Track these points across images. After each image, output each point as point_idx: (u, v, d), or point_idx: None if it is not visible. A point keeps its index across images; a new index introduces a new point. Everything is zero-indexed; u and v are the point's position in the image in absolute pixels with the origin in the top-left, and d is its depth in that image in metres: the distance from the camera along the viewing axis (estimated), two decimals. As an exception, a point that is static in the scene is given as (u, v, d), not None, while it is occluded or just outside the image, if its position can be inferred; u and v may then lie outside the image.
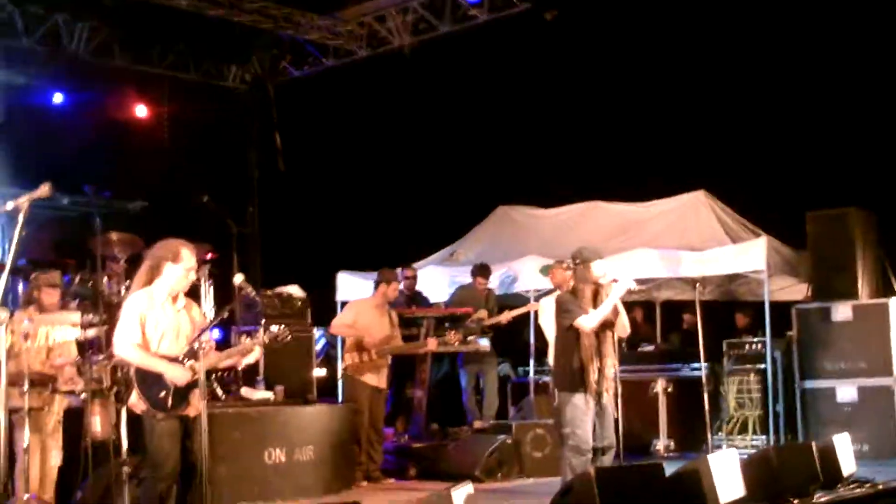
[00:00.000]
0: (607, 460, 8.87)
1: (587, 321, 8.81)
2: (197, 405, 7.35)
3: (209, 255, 11.08)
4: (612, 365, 9.10)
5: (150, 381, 7.28)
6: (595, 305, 8.91)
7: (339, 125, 17.87)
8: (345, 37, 16.97)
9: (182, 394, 7.31)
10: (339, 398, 12.52)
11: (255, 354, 7.73)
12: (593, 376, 8.81)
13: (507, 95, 17.30)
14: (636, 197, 15.13)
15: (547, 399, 12.09)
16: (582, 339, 8.85)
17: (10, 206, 6.66)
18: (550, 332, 10.96)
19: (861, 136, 15.15)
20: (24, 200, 6.77)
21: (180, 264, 7.41)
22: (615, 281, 8.99)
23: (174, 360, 7.32)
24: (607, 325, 8.95)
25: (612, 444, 8.99)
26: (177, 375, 7.27)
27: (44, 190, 6.75)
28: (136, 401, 7.38)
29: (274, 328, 8.02)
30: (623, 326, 9.09)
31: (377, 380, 11.49)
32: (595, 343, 8.90)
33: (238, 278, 8.01)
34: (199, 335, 7.34)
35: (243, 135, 18.29)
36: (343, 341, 12.06)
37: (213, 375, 7.53)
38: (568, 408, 8.85)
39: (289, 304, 11.66)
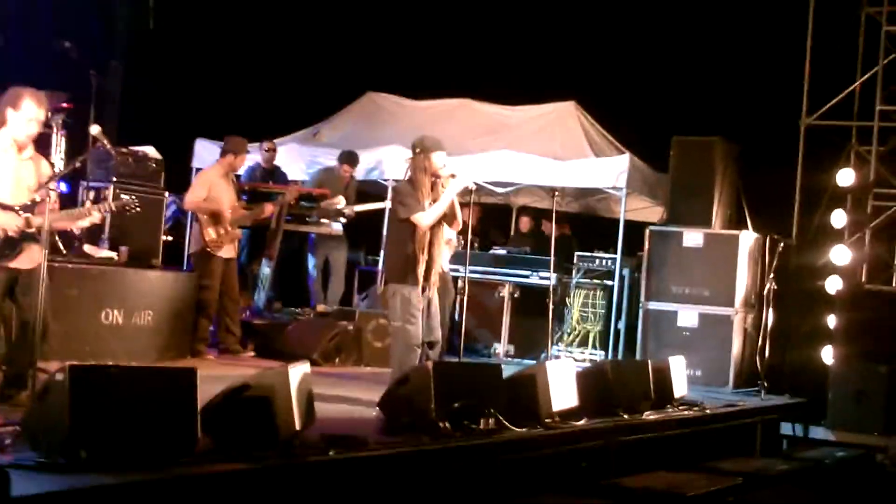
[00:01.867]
0: (434, 355, 8.83)
1: (424, 217, 8.69)
2: (32, 258, 7.17)
3: (65, 105, 10.69)
4: (440, 257, 9.06)
5: None
6: (433, 198, 8.81)
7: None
8: None
9: (12, 244, 7.12)
10: (187, 268, 12.31)
11: (93, 219, 7.50)
12: (421, 268, 8.73)
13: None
14: (508, 100, 15.08)
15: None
16: (416, 232, 8.74)
17: None
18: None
19: (730, 66, 15.29)
20: None
21: (20, 112, 7.17)
22: (453, 176, 8.89)
23: (9, 208, 7.11)
24: (441, 219, 8.87)
25: (439, 338, 8.94)
26: (8, 223, 7.09)
27: None
28: None
29: (124, 197, 7.84)
30: (456, 220, 8.97)
31: (231, 251, 11.31)
32: (430, 237, 8.81)
33: (94, 129, 7.80)
34: (46, 184, 7.12)
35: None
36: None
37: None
38: (398, 300, 8.77)
39: (143, 165, 11.30)
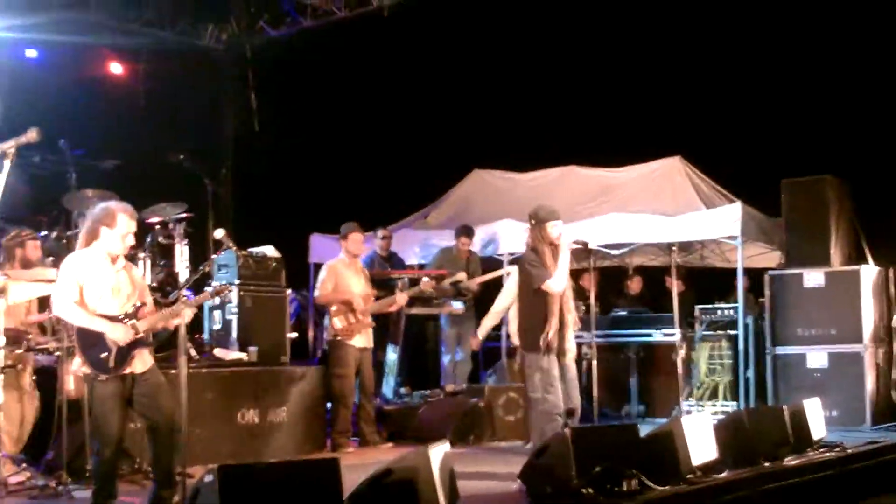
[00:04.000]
0: (573, 423, 8.89)
1: (555, 283, 8.85)
2: (145, 362, 7.42)
3: (184, 214, 11.00)
4: (573, 324, 9.16)
5: (91, 342, 7.29)
6: (555, 265, 8.96)
7: (316, 86, 17.78)
8: (325, -3, 16.88)
9: (124, 353, 7.32)
10: (312, 361, 12.49)
11: (186, 316, 7.66)
12: (556, 336, 8.84)
13: (486, 57, 17.23)
14: (612, 163, 15.15)
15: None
16: (548, 299, 8.88)
17: (-5, 150, 6.50)
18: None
19: (835, 104, 15.18)
20: (10, 145, 6.64)
21: (115, 229, 7.42)
22: (577, 243, 9.10)
23: (115, 319, 7.33)
24: (567, 285, 9.01)
25: (577, 405, 9.02)
26: (118, 334, 7.29)
27: (31, 135, 6.65)
28: (78, 364, 7.40)
29: (215, 283, 8.02)
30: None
31: (366, 340, 11.43)
32: (559, 304, 8.94)
33: (219, 233, 8.02)
34: (183, 288, 7.37)
35: (219, 94, 18.19)
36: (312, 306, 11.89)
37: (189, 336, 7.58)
38: (536, 371, 8.87)
39: (263, 265, 11.56)
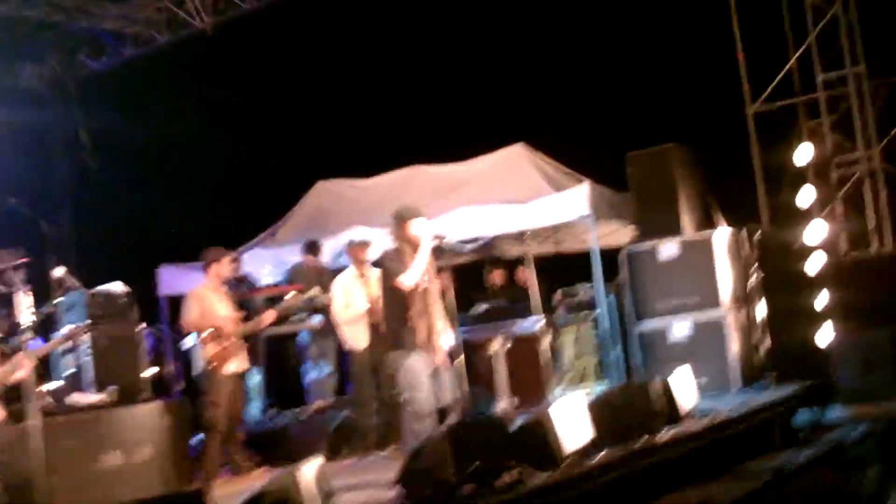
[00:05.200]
0: (447, 421, 8.79)
1: (406, 279, 8.77)
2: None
3: (22, 260, 10.60)
4: (441, 320, 9.10)
5: None
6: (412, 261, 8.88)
7: (148, 114, 17.38)
8: (143, 23, 16.50)
9: None
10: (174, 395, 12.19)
11: (26, 369, 7.35)
12: (421, 333, 8.75)
13: (319, 67, 17.11)
14: (458, 157, 15.08)
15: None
16: (409, 297, 8.79)
17: None
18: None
19: (671, 72, 15.35)
20: None
21: None
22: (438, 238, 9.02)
23: None
24: (431, 279, 8.93)
25: (455, 403, 8.92)
26: None
27: None
28: None
29: (70, 326, 7.77)
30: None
31: (239, 364, 11.10)
32: (424, 300, 8.87)
33: (59, 271, 7.68)
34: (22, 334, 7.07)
35: (48, 135, 17.68)
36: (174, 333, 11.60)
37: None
38: (403, 371, 8.76)
39: (112, 303, 11.22)
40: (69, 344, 10.45)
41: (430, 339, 8.86)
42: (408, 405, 8.77)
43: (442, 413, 8.88)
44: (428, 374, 8.80)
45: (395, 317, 8.97)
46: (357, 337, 11.36)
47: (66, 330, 8.02)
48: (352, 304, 11.31)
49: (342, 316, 11.49)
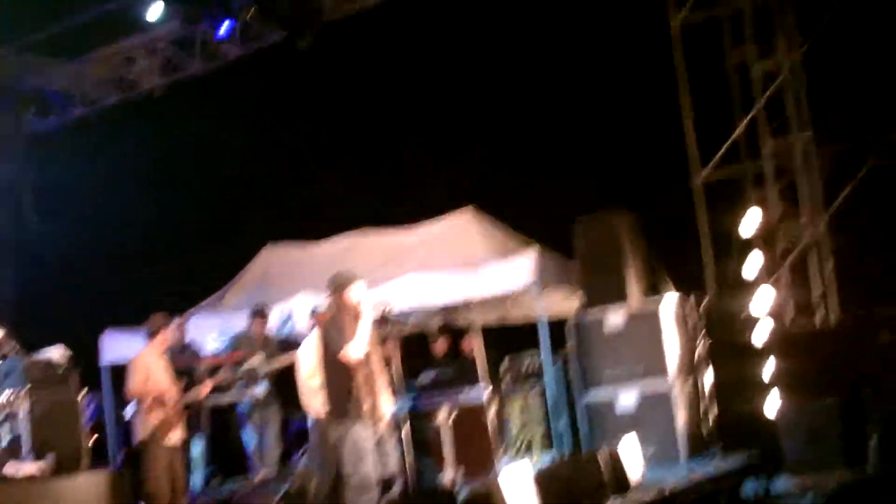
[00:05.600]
0: (390, 495, 8.71)
1: (353, 351, 8.68)
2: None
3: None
4: (384, 387, 9.03)
5: None
6: (353, 331, 8.79)
7: (94, 174, 17.24)
8: (93, 83, 16.42)
9: None
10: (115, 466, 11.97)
11: None
12: (368, 404, 8.67)
13: (266, 130, 17.05)
14: (406, 220, 15.00)
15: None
16: (353, 367, 8.71)
17: None
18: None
19: (621, 140, 15.40)
20: None
21: None
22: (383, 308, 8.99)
23: None
24: (373, 350, 8.88)
25: (395, 473, 8.84)
26: None
27: None
28: None
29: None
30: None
31: (179, 435, 10.89)
32: (367, 369, 8.79)
33: (-2, 332, 7.45)
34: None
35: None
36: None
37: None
38: (348, 444, 8.66)
39: (52, 370, 11.04)
40: (6, 411, 10.28)
41: (374, 408, 8.78)
42: (353, 478, 8.67)
43: (386, 483, 8.79)
44: (372, 445, 8.72)
45: (338, 388, 8.90)
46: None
47: (2, 397, 7.84)
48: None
49: (308, 385, 11.26)
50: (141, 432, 10.87)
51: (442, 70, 16.03)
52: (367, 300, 9.04)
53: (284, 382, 13.20)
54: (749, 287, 13.38)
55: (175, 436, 10.85)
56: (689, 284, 13.63)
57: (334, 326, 8.92)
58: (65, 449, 10.73)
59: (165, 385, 10.89)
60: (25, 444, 10.49)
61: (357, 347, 8.75)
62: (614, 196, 13.90)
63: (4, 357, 10.21)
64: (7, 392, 8.01)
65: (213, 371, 12.22)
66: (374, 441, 8.80)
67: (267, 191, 17.20)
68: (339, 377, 8.87)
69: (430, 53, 15.99)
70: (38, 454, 10.47)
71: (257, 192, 17.24)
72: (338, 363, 8.84)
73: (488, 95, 16.06)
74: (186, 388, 11.47)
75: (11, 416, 10.45)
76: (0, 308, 13.27)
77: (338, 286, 9.02)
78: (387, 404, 9.22)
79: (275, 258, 15.55)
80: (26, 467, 10.30)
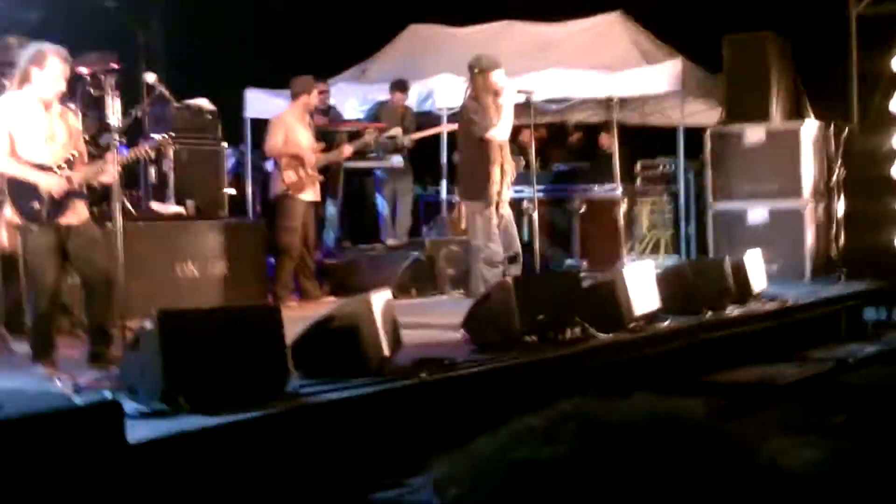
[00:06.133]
0: (515, 270, 8.88)
1: (500, 132, 8.76)
2: (79, 214, 7.21)
3: (114, 65, 10.67)
4: (511, 173, 9.14)
5: (23, 193, 7.07)
6: (498, 115, 8.84)
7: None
8: None
9: (58, 204, 7.10)
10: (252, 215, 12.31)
11: (108, 174, 7.41)
12: (496, 187, 8.79)
13: None
14: (552, 17, 14.92)
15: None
16: (490, 149, 8.79)
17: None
18: None
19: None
20: None
21: (46, 71, 7.08)
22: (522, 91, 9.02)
23: (48, 168, 7.11)
24: (508, 137, 8.97)
25: (519, 250, 9.00)
26: (52, 185, 7.07)
27: None
28: (10, 214, 7.19)
29: (155, 136, 7.84)
30: None
31: (313, 194, 11.25)
32: (500, 154, 8.88)
33: (150, 77, 7.71)
34: (112, 137, 7.16)
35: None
36: (274, 162, 11.65)
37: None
38: (478, 220, 8.84)
39: (198, 118, 11.31)
40: (153, 154, 10.58)
41: (502, 191, 8.90)
42: (481, 252, 8.87)
43: (511, 258, 8.98)
44: (498, 225, 8.88)
45: (475, 168, 9.00)
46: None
47: (153, 140, 8.06)
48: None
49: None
50: (277, 187, 11.23)
51: None
52: (510, 85, 9.05)
53: (420, 157, 13.41)
54: (893, 122, 13.16)
55: (309, 194, 11.15)
56: (832, 114, 13.44)
57: (475, 107, 8.96)
58: (204, 196, 11.10)
59: (304, 145, 11.14)
60: (170, 186, 10.85)
61: (502, 129, 8.82)
62: (765, 18, 13.63)
63: (155, 100, 10.44)
64: (156, 136, 8.20)
65: (353, 136, 12.39)
66: (499, 221, 8.95)
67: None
68: (477, 158, 8.98)
69: None
70: (179, 198, 10.83)
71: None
72: (476, 144, 8.93)
73: None
74: (325, 151, 11.75)
75: (157, 160, 10.75)
76: (150, 56, 13.49)
77: (482, 68, 9.02)
78: (509, 189, 9.31)
79: (418, 38, 15.60)
80: (168, 208, 10.68)
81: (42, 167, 7.11)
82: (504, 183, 9.03)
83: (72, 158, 7.23)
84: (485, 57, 9.16)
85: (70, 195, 7.15)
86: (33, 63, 7.11)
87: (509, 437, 1.55)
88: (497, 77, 8.96)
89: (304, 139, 11.21)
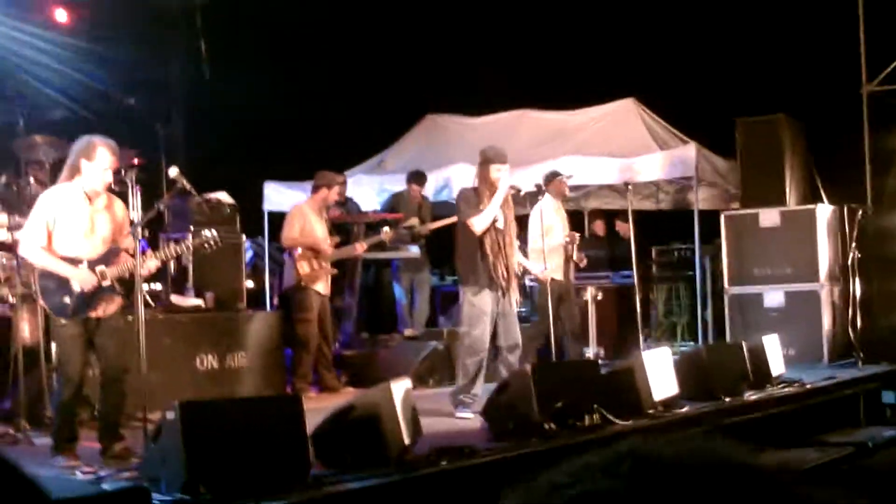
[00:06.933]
0: (513, 360, 8.90)
1: (478, 222, 8.85)
2: (108, 307, 7.25)
3: (136, 161, 10.85)
4: (515, 262, 9.16)
5: (53, 285, 7.13)
6: (485, 205, 8.94)
7: (266, 31, 17.55)
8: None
9: (87, 299, 7.15)
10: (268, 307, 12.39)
11: (151, 265, 7.50)
12: (487, 271, 8.84)
13: (437, 2, 17.12)
14: (566, 105, 15.10)
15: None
16: (481, 237, 8.88)
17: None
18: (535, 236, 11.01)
19: (787, 44, 15.15)
20: None
21: (95, 163, 7.18)
22: (512, 189, 9.10)
23: (80, 262, 7.16)
24: (508, 223, 9.01)
25: (518, 342, 9.00)
26: (83, 279, 7.12)
27: None
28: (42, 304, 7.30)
29: (206, 233, 7.89)
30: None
31: (325, 287, 11.34)
32: (497, 240, 8.92)
33: (173, 171, 7.75)
34: (133, 232, 7.23)
35: (166, 39, 17.90)
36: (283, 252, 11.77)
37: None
38: (465, 305, 8.92)
39: (218, 211, 11.48)
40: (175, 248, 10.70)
41: (501, 279, 8.92)
42: (464, 338, 8.97)
43: (507, 351, 9.00)
44: (489, 314, 8.88)
45: (465, 254, 9.08)
46: (551, 266, 11.45)
47: (202, 235, 8.10)
48: (551, 233, 11.36)
49: (538, 244, 11.54)
50: (291, 278, 11.32)
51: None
52: (506, 179, 9.10)
53: (437, 246, 13.50)
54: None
55: (325, 285, 11.23)
56: (845, 195, 13.50)
57: (472, 198, 9.06)
58: (224, 288, 11.20)
59: (320, 237, 11.25)
60: (189, 279, 10.96)
61: (481, 221, 8.88)
62: (776, 100, 13.77)
63: (178, 193, 10.55)
64: (208, 233, 8.27)
65: (370, 228, 12.50)
66: (496, 310, 8.96)
67: (432, 61, 17.27)
68: (468, 245, 9.04)
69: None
70: (199, 290, 10.93)
71: (423, 61, 17.33)
72: (467, 230, 9.02)
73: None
74: (343, 243, 11.87)
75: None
76: (170, 151, 13.66)
77: (485, 159, 9.13)
78: (514, 276, 9.31)
79: (434, 128, 15.80)
80: (188, 301, 10.78)
81: (76, 261, 7.16)
82: (500, 269, 8.99)
83: (109, 252, 7.26)
84: (491, 149, 9.25)
85: (101, 290, 7.20)
86: (83, 155, 7.21)
87: (568, 474, 1.65)
88: (496, 171, 9.02)
89: (319, 231, 11.33)
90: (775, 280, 12.68)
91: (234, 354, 10.35)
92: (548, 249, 10.62)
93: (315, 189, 11.54)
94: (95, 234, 7.27)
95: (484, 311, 8.85)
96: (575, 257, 11.42)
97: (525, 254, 10.94)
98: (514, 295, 9.11)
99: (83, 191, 7.23)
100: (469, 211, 8.96)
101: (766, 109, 13.40)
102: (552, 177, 11.72)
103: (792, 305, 12.56)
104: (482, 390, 8.73)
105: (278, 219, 12.71)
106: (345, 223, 12.73)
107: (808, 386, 10.06)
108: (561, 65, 16.74)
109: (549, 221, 11.19)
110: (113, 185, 9.65)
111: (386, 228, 12.26)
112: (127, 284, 7.41)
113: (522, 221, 10.91)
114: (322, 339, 11.30)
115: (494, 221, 8.94)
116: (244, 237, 11.88)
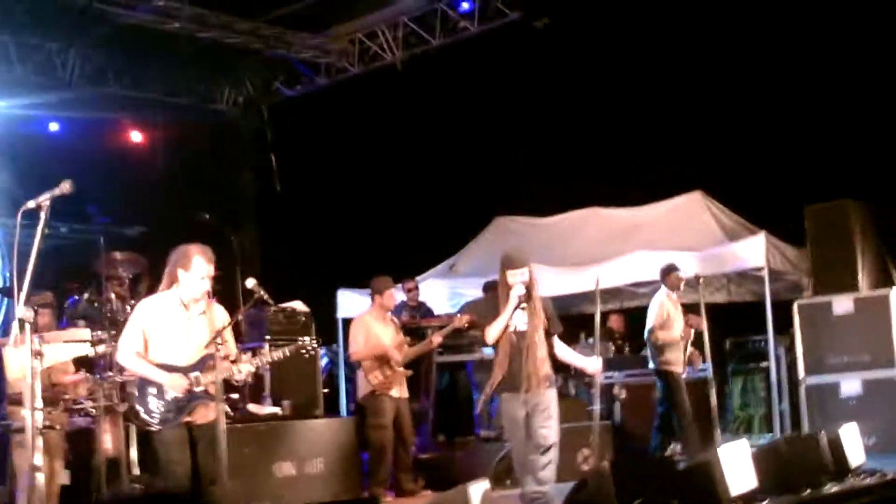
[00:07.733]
0: (545, 460, 8.72)
1: (489, 332, 8.81)
2: (205, 414, 7.35)
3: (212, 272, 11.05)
4: (543, 362, 8.86)
5: (147, 392, 7.27)
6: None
7: (334, 142, 17.90)
8: (336, 54, 17.01)
9: (181, 405, 7.27)
10: (344, 413, 12.47)
11: (245, 370, 7.60)
12: (520, 376, 8.67)
13: (500, 105, 17.33)
14: (634, 201, 15.19)
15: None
16: (503, 343, 8.79)
17: (31, 204, 6.28)
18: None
19: (854, 128, 15.16)
20: (44, 198, 6.47)
21: (191, 272, 7.36)
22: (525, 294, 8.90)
23: (175, 369, 7.28)
24: (535, 325, 8.84)
25: (547, 443, 8.78)
26: (174, 385, 7.24)
27: (64, 187, 6.43)
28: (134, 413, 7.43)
29: (304, 339, 8.01)
30: (554, 324, 9.02)
31: (400, 391, 11.34)
32: (517, 344, 8.76)
33: (250, 282, 7.90)
34: (214, 338, 7.31)
35: (238, 156, 18.35)
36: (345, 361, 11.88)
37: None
38: (503, 414, 8.89)
39: (293, 320, 11.67)
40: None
41: (529, 381, 8.75)
42: (508, 445, 8.98)
43: (544, 451, 8.87)
44: (516, 418, 8.77)
45: (495, 361, 9.00)
46: (671, 359, 11.43)
47: (297, 342, 8.25)
48: (669, 326, 11.30)
49: (656, 336, 11.54)
50: (364, 388, 11.34)
51: (677, 54, 16.02)
52: (519, 286, 8.93)
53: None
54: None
55: (399, 389, 11.27)
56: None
57: (490, 305, 9.00)
58: (300, 395, 11.35)
59: (386, 343, 11.29)
60: (266, 387, 11.12)
61: (492, 330, 8.79)
62: (843, 185, 13.75)
63: (255, 304, 10.75)
64: (301, 339, 8.41)
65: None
66: (533, 408, 8.81)
67: (497, 165, 17.47)
68: (496, 351, 8.97)
69: (665, 37, 16.01)
70: (276, 399, 11.07)
71: (488, 165, 17.53)
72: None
73: (723, 81, 15.98)
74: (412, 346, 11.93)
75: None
76: (244, 261, 13.92)
77: (502, 266, 9.01)
78: (544, 375, 9.11)
79: (504, 230, 15.93)
80: (265, 409, 10.92)
81: (171, 368, 7.28)
82: (525, 372, 8.83)
83: (205, 358, 7.34)
84: (508, 255, 9.11)
85: (194, 396, 7.31)
86: (179, 265, 7.40)
87: None
88: (511, 277, 8.93)
89: (385, 338, 11.35)
90: (852, 368, 12.57)
91: (312, 461, 10.45)
92: (669, 341, 10.62)
93: (371, 297, 11.64)
94: (191, 341, 7.39)
95: (511, 417, 8.80)
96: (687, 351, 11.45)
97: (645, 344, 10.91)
98: (543, 395, 8.90)
99: (180, 299, 7.38)
100: (484, 320, 8.95)
101: (835, 194, 13.37)
102: (669, 270, 11.77)
103: (870, 393, 12.42)
104: (553, 489, 8.67)
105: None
106: (418, 327, 12.82)
107: (890, 476, 9.90)
108: (627, 161, 16.84)
109: (668, 314, 11.23)
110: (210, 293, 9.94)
111: (458, 314, 12.29)
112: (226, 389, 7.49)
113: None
114: (399, 442, 11.33)
115: (509, 327, 8.83)
116: (319, 344, 11.99)
